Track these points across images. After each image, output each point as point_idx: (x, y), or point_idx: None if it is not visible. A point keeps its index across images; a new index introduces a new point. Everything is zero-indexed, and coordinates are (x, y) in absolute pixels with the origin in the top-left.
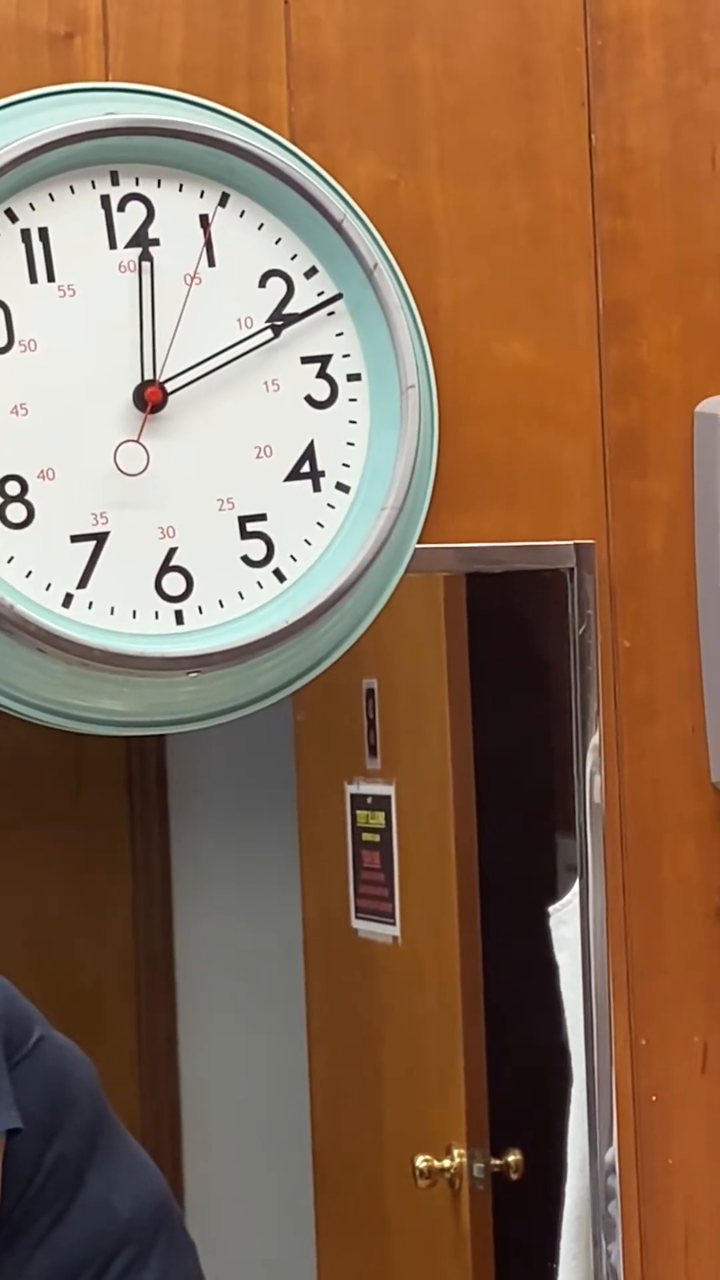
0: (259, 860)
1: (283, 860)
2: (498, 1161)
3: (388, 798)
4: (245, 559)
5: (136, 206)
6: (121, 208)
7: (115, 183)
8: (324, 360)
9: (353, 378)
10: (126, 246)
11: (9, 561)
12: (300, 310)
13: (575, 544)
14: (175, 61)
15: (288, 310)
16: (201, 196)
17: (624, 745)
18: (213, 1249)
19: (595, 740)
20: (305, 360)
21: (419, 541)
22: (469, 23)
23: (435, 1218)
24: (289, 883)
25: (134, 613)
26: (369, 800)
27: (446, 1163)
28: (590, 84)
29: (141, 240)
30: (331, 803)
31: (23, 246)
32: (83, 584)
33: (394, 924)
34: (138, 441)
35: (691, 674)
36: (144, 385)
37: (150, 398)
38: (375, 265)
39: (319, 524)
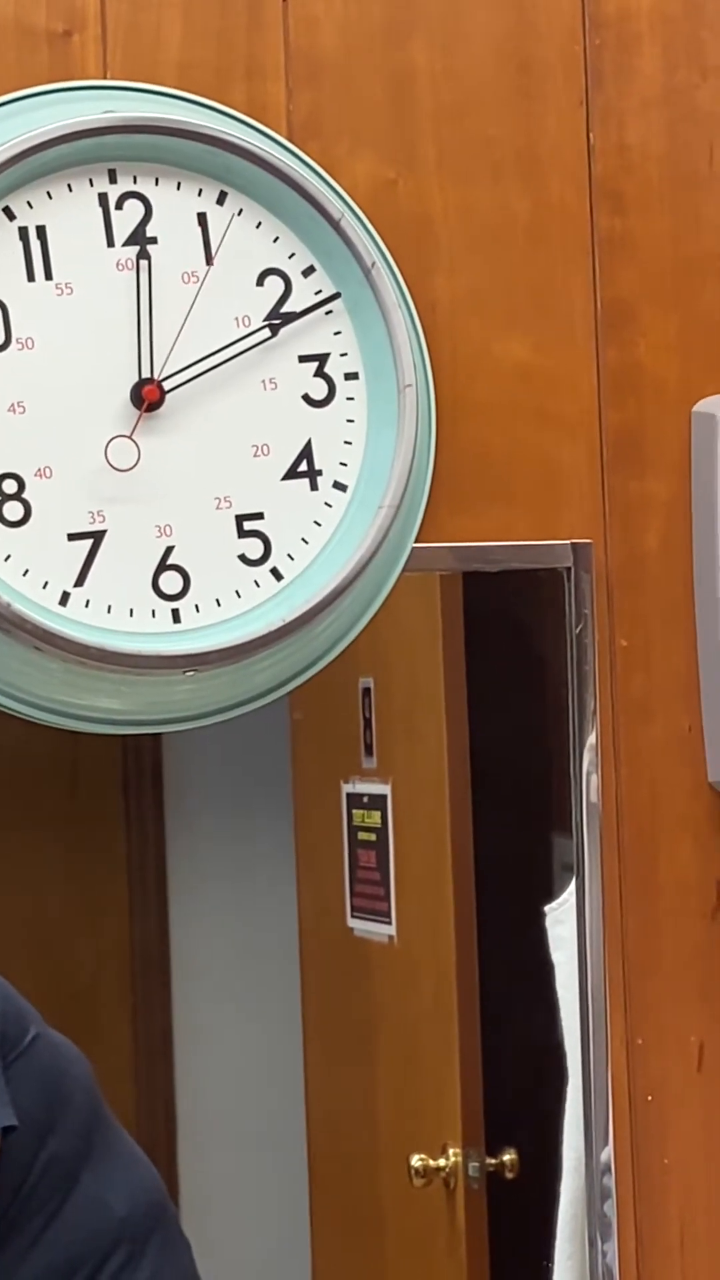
0: (255, 859)
1: (279, 859)
2: (493, 1161)
3: (384, 797)
4: (242, 558)
5: (134, 205)
6: (119, 206)
7: (113, 181)
8: (321, 359)
9: (350, 376)
10: (124, 245)
11: (6, 560)
12: (298, 309)
13: (572, 543)
14: (173, 59)
15: (285, 309)
16: (199, 195)
17: (621, 745)
18: (208, 1247)
19: (592, 739)
20: (303, 359)
21: (416, 540)
22: (467, 21)
23: (430, 1217)
24: (285, 882)
25: (131, 611)
26: (365, 799)
27: (442, 1162)
28: (588, 83)
29: (139, 238)
30: (327, 802)
31: (20, 245)
32: (80, 582)
33: (390, 923)
34: (129, 437)
35: (688, 674)
36: (141, 383)
37: (148, 396)
38: (373, 264)
39: (316, 523)
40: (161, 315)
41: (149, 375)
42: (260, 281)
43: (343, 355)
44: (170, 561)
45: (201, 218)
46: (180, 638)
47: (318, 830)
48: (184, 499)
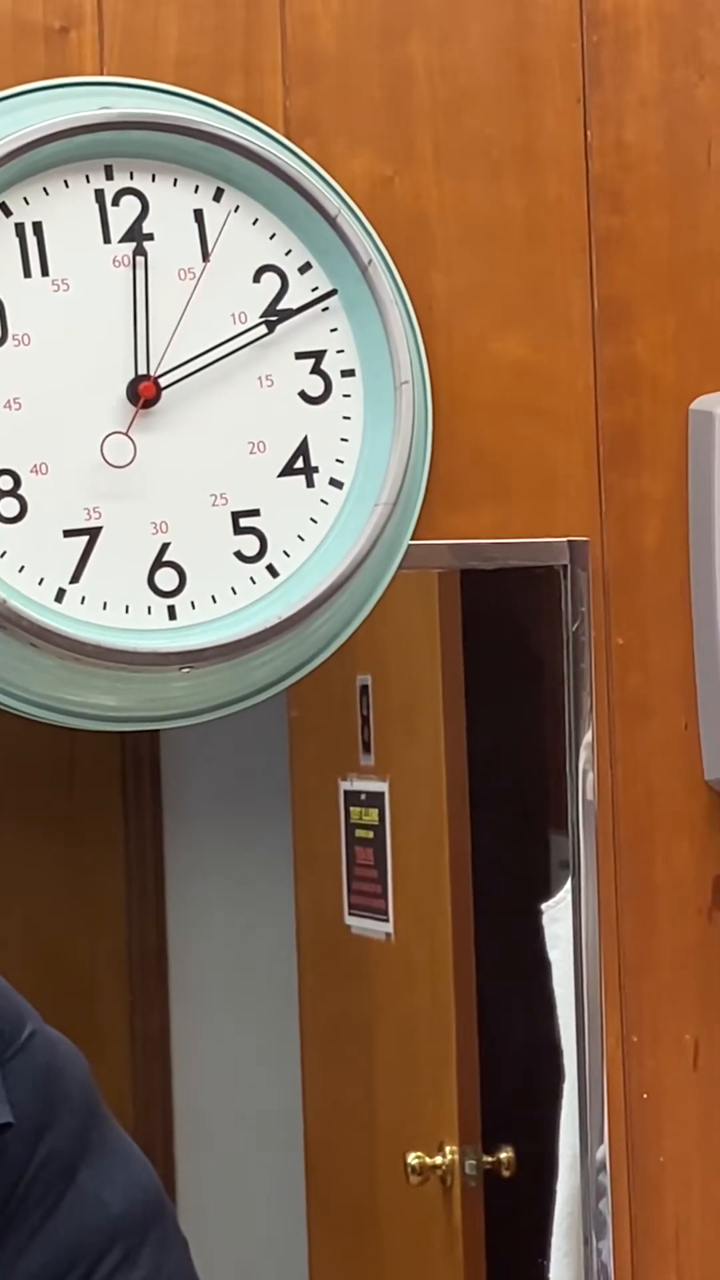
0: (252, 856)
1: (276, 857)
2: (490, 1158)
3: (381, 794)
4: (238, 554)
5: (131, 201)
6: (116, 202)
7: (110, 177)
8: (318, 356)
9: (347, 373)
10: (120, 241)
11: (1, 556)
12: (294, 306)
13: (569, 541)
14: (170, 56)
15: (282, 306)
16: (196, 191)
17: (617, 743)
18: (205, 1244)
19: (588, 738)
20: (299, 356)
21: (413, 538)
22: (465, 18)
23: (427, 1214)
24: (282, 879)
25: (126, 608)
26: (362, 797)
27: (438, 1159)
28: (586, 80)
29: (135, 235)
30: (325, 799)
31: (16, 241)
32: (75, 579)
33: (387, 921)
34: (125, 434)
35: (685, 672)
36: (138, 380)
37: (144, 393)
38: (370, 261)
39: (312, 520)
40: (158, 312)
41: (145, 372)
42: (257, 278)
43: (339, 352)
44: (166, 558)
45: (198, 214)
46: (176, 634)
47: (315, 828)
48: (180, 495)
